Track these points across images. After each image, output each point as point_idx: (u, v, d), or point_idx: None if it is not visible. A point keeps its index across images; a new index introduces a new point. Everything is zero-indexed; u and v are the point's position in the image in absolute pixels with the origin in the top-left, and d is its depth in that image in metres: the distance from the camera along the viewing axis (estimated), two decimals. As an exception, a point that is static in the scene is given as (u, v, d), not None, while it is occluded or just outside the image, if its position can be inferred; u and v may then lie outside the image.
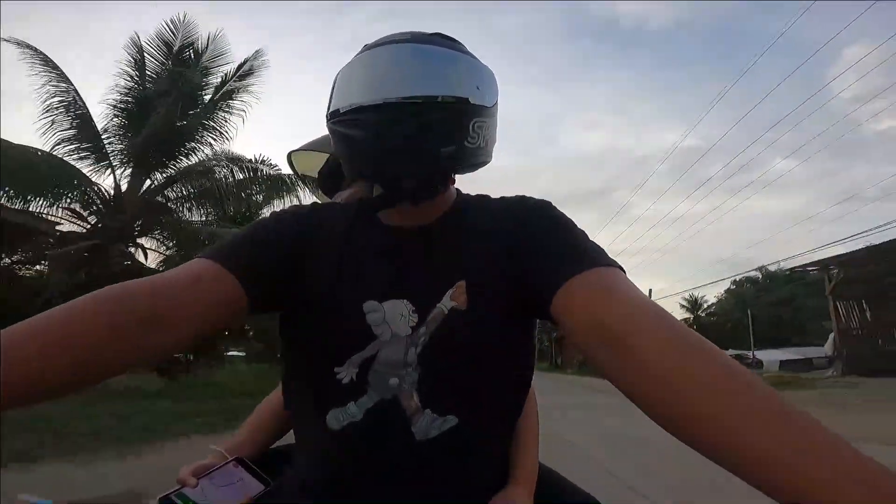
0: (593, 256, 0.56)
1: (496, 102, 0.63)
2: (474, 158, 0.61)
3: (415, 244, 0.64)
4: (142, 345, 0.48)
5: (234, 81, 10.22)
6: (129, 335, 0.47)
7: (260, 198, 10.34)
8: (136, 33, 9.82)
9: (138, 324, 0.47)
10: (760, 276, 39.57)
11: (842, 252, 15.45)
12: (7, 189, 8.21)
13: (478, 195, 0.72)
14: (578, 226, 0.63)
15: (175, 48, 10.13)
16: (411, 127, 0.56)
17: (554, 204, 0.66)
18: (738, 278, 40.48)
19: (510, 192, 0.70)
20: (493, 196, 0.71)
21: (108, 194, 9.22)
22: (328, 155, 0.96)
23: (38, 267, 9.50)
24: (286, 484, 0.69)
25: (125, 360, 0.48)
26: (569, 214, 0.64)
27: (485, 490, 0.64)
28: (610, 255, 0.57)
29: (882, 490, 0.31)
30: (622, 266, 0.56)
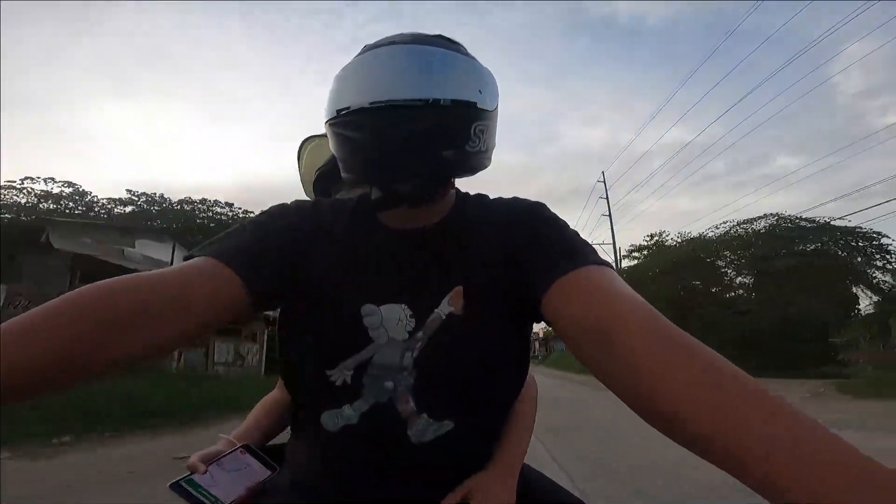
0: (583, 255, 0.56)
1: (497, 106, 0.62)
2: (474, 163, 0.60)
3: (414, 248, 0.63)
4: (129, 340, 0.47)
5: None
6: (116, 330, 0.46)
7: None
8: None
9: (124, 318, 0.47)
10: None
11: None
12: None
13: (476, 195, 0.71)
14: (570, 226, 0.63)
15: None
16: (412, 130, 0.55)
17: (547, 205, 0.66)
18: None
19: (515, 191, 0.69)
20: (490, 196, 0.71)
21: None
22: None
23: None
24: (279, 481, 0.69)
25: (114, 355, 0.47)
26: (571, 212, 0.64)
27: None
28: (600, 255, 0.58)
29: (874, 485, 0.31)
30: (612, 265, 0.56)
